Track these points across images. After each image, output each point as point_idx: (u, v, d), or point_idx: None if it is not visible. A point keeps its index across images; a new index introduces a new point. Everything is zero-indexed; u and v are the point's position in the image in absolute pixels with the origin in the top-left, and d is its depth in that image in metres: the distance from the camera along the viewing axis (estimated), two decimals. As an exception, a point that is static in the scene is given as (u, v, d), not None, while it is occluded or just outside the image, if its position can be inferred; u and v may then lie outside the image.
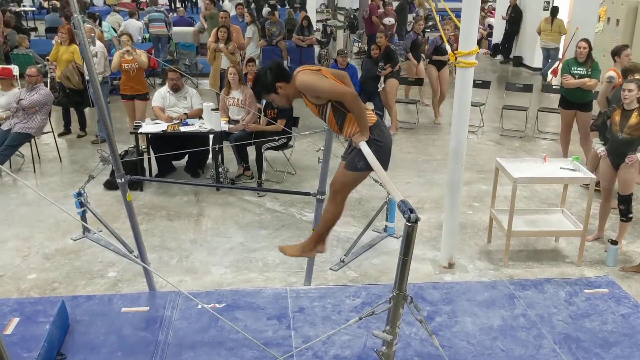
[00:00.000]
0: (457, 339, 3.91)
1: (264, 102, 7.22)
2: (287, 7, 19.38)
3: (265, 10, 16.91)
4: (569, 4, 13.59)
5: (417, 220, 2.06)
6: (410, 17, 16.44)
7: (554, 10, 12.52)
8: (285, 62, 13.28)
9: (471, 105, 5.72)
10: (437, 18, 6.39)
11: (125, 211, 5.74)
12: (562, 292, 4.41)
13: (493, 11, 17.00)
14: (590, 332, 3.94)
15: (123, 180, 3.90)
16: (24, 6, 19.17)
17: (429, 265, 5.21)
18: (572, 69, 7.10)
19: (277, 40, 13.03)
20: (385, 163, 3.18)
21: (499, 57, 15.31)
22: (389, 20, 13.79)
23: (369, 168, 3.10)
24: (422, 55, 10.49)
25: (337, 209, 3.44)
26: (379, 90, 8.81)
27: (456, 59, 4.64)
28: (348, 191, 3.43)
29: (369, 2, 14.84)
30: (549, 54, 12.55)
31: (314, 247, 3.64)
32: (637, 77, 5.48)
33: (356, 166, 3.22)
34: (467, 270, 5.16)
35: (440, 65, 9.62)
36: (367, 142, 3.11)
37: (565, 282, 4.57)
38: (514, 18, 14.33)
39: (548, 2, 13.42)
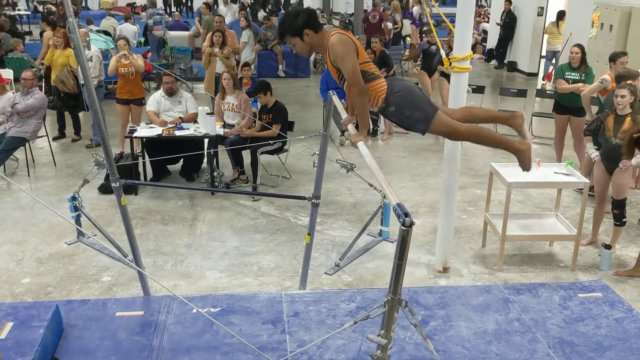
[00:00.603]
0: (452, 343, 3.91)
1: (258, 106, 7.24)
2: (283, 12, 19.41)
3: (261, 14, 16.95)
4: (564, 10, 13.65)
5: (412, 224, 2.06)
6: (406, 22, 16.53)
7: (561, 14, 12.74)
8: (280, 67, 13.33)
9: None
10: (432, 22, 6.42)
11: (119, 215, 5.74)
12: (556, 297, 4.42)
13: (488, 16, 17.08)
14: (584, 336, 3.96)
15: (118, 184, 3.91)
16: (18, 10, 19.11)
17: (423, 270, 5.22)
18: (566, 74, 7.13)
19: (272, 44, 13.06)
20: (421, 107, 3.12)
21: (493, 62, 15.38)
22: (389, 25, 13.81)
23: (428, 108, 3.09)
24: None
25: (472, 131, 3.26)
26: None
27: (450, 64, 4.66)
28: (453, 126, 3.23)
29: (373, 8, 14.84)
30: (555, 56, 12.65)
31: (516, 148, 3.38)
32: (630, 83, 5.52)
33: (420, 117, 3.14)
34: (462, 274, 5.17)
35: (429, 70, 9.68)
36: (389, 106, 3.07)
37: (560, 287, 4.58)
38: (508, 23, 14.40)
39: (542, 8, 13.51)
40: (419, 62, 14.19)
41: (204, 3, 13.92)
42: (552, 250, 5.62)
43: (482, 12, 17.78)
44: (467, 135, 3.30)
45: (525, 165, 3.44)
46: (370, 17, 13.70)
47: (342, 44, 3.00)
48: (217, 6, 14.79)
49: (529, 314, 4.21)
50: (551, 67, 12.50)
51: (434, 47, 9.13)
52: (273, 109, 6.91)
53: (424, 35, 15.19)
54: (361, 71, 3.05)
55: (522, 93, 9.37)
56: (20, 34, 14.27)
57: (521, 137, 3.51)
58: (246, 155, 7.11)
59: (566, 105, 7.22)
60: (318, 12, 19.35)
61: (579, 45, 7.22)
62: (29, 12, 19.74)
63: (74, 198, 5.52)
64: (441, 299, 4.44)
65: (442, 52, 5.39)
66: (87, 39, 8.21)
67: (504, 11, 14.47)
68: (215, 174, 6.88)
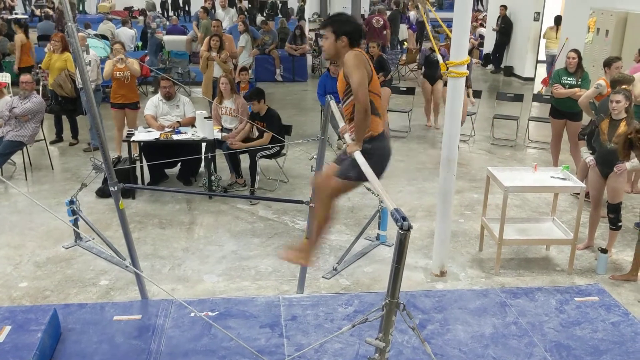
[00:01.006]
0: (449, 347, 3.93)
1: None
2: (280, 16, 19.47)
3: (259, 19, 16.99)
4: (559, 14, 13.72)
5: (409, 228, 2.07)
6: (403, 27, 16.59)
7: (558, 19, 12.90)
8: (278, 71, 13.37)
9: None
10: (429, 27, 6.46)
11: (117, 219, 5.74)
12: (553, 300, 4.44)
13: (485, 20, 17.15)
14: (580, 340, 3.98)
15: (116, 188, 3.91)
16: (15, 14, 19.11)
17: (420, 274, 5.24)
18: (563, 78, 7.18)
19: (269, 49, 13.09)
20: (380, 171, 3.19)
21: (490, 66, 15.43)
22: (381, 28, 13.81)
23: (360, 179, 3.11)
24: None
25: (327, 213, 3.38)
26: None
27: (447, 68, 4.69)
28: (338, 196, 3.38)
29: (376, 12, 14.81)
30: (553, 60, 12.72)
31: (311, 256, 3.52)
32: (625, 87, 5.56)
33: (347, 175, 3.21)
34: (459, 278, 5.19)
35: (431, 79, 9.68)
36: (365, 150, 3.11)
37: (556, 290, 4.61)
38: (504, 28, 14.46)
39: (538, 13, 13.57)
40: (415, 67, 14.36)
41: (201, 7, 13.94)
42: (548, 254, 5.64)
43: (480, 17, 17.85)
44: (325, 208, 3.35)
45: (289, 255, 3.57)
46: (374, 21, 13.64)
47: (357, 58, 3.07)
48: (215, 10, 14.81)
49: (525, 318, 4.23)
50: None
51: (435, 55, 9.12)
52: (266, 116, 6.90)
53: (423, 40, 15.28)
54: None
55: (518, 97, 9.41)
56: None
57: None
58: (244, 159, 7.12)
59: (562, 110, 7.26)
60: (315, 16, 19.45)
61: (576, 50, 7.27)
62: (26, 16, 19.71)
63: (71, 202, 5.57)
64: (438, 303, 4.45)
65: (439, 57, 5.43)
66: (86, 43, 8.22)
67: (499, 16, 14.54)
68: (212, 178, 6.90)
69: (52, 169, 7.70)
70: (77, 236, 5.67)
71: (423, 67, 9.94)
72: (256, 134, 7.11)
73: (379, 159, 3.21)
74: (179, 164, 7.11)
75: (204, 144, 6.93)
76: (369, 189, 5.62)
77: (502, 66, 14.96)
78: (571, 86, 7.10)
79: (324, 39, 3.24)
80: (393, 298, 2.22)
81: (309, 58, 14.48)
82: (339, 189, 3.32)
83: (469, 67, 8.06)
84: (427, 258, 5.44)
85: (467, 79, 8.03)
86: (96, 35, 7.02)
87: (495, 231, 5.26)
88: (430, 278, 5.17)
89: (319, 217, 3.40)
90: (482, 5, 23.72)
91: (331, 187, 3.31)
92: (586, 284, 4.90)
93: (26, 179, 7.33)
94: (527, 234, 5.43)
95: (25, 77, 7.33)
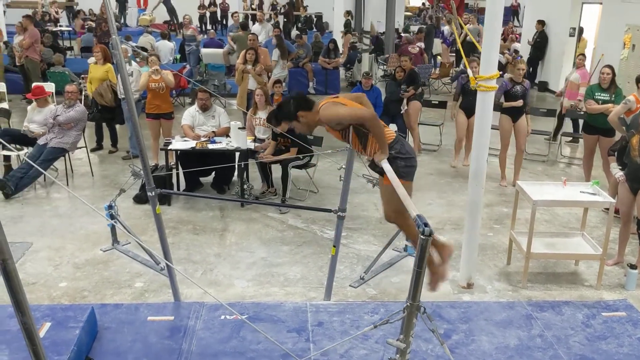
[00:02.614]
0: (473, 357, 3.97)
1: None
2: (315, 30, 19.73)
3: (294, 33, 17.27)
4: (595, 30, 13.62)
5: (430, 233, 2.17)
6: (437, 41, 16.65)
7: (581, 30, 12.79)
8: (311, 84, 13.56)
9: (493, 129, 5.83)
10: (459, 40, 6.51)
11: (152, 225, 5.95)
12: (580, 315, 4.44)
13: (518, 36, 17.08)
14: (606, 354, 3.97)
15: (153, 193, 4.09)
16: (60, 26, 19.79)
17: (447, 285, 5.28)
18: (596, 94, 7.16)
19: (303, 62, 13.31)
20: (411, 173, 3.29)
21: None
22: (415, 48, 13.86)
23: (403, 176, 3.24)
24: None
25: (409, 225, 3.48)
26: (401, 112, 8.95)
27: (477, 82, 4.76)
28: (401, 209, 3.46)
29: (414, 35, 14.93)
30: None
31: (437, 266, 3.58)
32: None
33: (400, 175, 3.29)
34: (486, 290, 5.21)
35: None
36: (389, 157, 3.24)
37: (583, 305, 4.60)
38: (540, 43, 14.41)
39: (574, 29, 13.48)
40: (447, 80, 14.39)
41: (239, 23, 14.29)
42: (577, 269, 5.62)
43: (513, 32, 17.78)
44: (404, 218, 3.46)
45: (432, 285, 3.56)
46: (410, 48, 13.42)
47: (328, 109, 3.31)
48: (254, 23, 15.13)
49: (551, 331, 4.24)
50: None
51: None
52: (290, 132, 7.00)
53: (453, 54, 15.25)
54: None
55: (551, 113, 9.37)
56: (62, 49, 14.82)
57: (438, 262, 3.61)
58: (276, 170, 7.28)
59: (595, 126, 7.23)
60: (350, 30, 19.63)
61: (610, 66, 7.26)
62: (70, 29, 20.41)
63: (110, 207, 5.79)
64: (464, 314, 4.50)
65: (469, 72, 5.49)
66: (128, 55, 8.53)
67: (536, 32, 14.48)
68: (245, 186, 7.07)
69: (92, 175, 7.99)
70: (115, 240, 5.89)
71: (460, 97, 8.38)
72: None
73: (408, 160, 3.34)
74: (213, 172, 7.32)
75: (237, 154, 7.12)
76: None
77: (536, 81, 14.87)
78: (604, 102, 7.08)
79: (294, 127, 3.51)
80: (414, 301, 2.31)
81: (342, 71, 14.64)
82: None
83: (526, 91, 7.57)
84: (455, 270, 5.48)
85: (525, 104, 7.64)
86: (136, 48, 7.27)
87: (523, 245, 5.27)
88: (457, 290, 5.21)
89: (408, 233, 3.58)
90: (518, 20, 23.62)
91: (394, 200, 3.38)
92: (614, 299, 4.88)
93: (67, 185, 7.61)
94: (556, 249, 5.42)
95: (70, 87, 7.64)
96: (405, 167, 3.22)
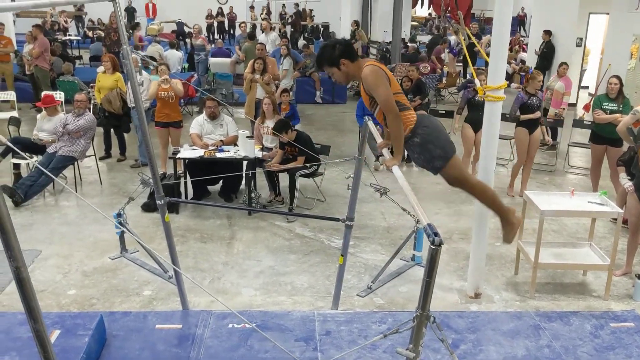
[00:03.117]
0: (481, 366, 3.97)
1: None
2: (322, 40, 19.81)
3: (301, 42, 17.35)
4: (602, 40, 13.64)
5: (441, 243, 2.18)
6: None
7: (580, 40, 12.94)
8: (318, 93, 13.62)
9: (501, 139, 5.84)
10: (466, 51, 6.55)
11: (160, 233, 5.99)
12: (588, 325, 4.43)
13: (525, 46, 17.10)
14: (615, 365, 3.96)
15: (162, 201, 4.12)
16: (69, 35, 19.97)
17: (455, 295, 5.28)
18: (604, 104, 7.17)
19: (310, 71, 13.36)
20: (443, 145, 3.25)
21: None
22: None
23: (445, 147, 3.23)
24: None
25: (479, 186, 3.48)
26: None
27: (485, 93, 4.78)
28: (465, 174, 3.43)
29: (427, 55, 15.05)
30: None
31: (509, 219, 3.58)
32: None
33: (434, 162, 3.26)
34: (494, 300, 5.21)
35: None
36: (414, 136, 3.21)
37: (592, 315, 4.59)
38: (546, 53, 14.40)
39: (581, 39, 13.49)
40: (454, 90, 14.42)
41: (247, 34, 14.38)
42: (585, 279, 5.60)
43: (520, 42, 17.80)
44: (473, 187, 3.45)
45: (509, 238, 3.65)
46: (421, 67, 13.20)
47: (375, 75, 3.18)
48: (262, 32, 15.22)
49: (559, 341, 4.23)
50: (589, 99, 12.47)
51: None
52: (297, 142, 7.03)
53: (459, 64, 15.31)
54: (395, 101, 3.20)
55: (559, 123, 9.37)
56: (71, 58, 14.94)
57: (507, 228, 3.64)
58: (283, 178, 7.31)
59: (603, 136, 7.23)
60: (354, 41, 19.74)
61: (617, 77, 7.26)
62: (79, 38, 20.61)
63: (119, 215, 5.82)
64: (472, 324, 4.49)
65: (477, 82, 5.52)
66: (139, 64, 8.60)
67: (543, 42, 14.48)
68: (252, 195, 7.10)
69: (101, 183, 8.04)
70: (123, 248, 5.92)
71: (464, 110, 8.22)
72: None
73: (436, 136, 3.25)
74: (221, 180, 7.35)
75: (245, 162, 7.16)
76: (404, 209, 5.72)
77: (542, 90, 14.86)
78: (612, 112, 7.09)
79: (331, 75, 3.37)
80: (424, 310, 2.32)
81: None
82: (456, 171, 3.34)
83: (540, 101, 7.56)
84: (462, 280, 5.48)
85: (541, 115, 7.64)
86: (145, 57, 7.35)
87: (531, 255, 5.26)
88: (464, 300, 5.20)
89: (482, 198, 3.54)
90: (525, 30, 23.65)
91: (454, 176, 3.34)
92: (622, 310, 4.86)
93: (76, 192, 7.66)
94: (564, 259, 5.41)
95: (79, 96, 7.71)
96: (429, 140, 3.17)
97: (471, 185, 3.43)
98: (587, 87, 14.93)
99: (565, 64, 9.97)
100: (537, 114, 7.49)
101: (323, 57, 3.33)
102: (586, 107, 11.59)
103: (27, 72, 12.11)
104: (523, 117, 7.53)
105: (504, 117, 5.71)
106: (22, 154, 2.69)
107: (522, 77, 16.15)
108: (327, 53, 3.29)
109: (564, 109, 9.53)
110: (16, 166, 7.73)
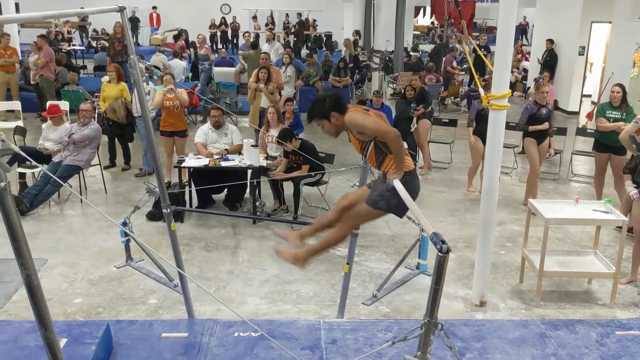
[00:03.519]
0: (488, 375, 3.96)
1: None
2: (324, 49, 19.90)
3: (304, 52, 17.43)
4: (604, 49, 13.68)
5: (448, 251, 2.20)
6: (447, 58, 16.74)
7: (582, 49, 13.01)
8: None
9: (504, 147, 5.85)
10: (470, 60, 6.57)
11: (165, 242, 6.01)
12: (594, 333, 4.43)
13: (527, 55, 17.16)
14: (621, 373, 3.95)
15: (169, 210, 4.14)
16: (73, 45, 20.08)
17: (460, 303, 5.28)
18: (607, 112, 7.19)
19: (314, 80, 13.41)
20: (400, 207, 3.35)
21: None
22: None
23: (388, 210, 3.33)
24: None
25: (344, 234, 3.60)
26: (411, 130, 9.00)
27: (489, 101, 4.80)
28: (360, 222, 3.57)
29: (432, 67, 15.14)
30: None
31: (306, 261, 3.70)
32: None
33: (376, 204, 3.39)
34: (499, 308, 5.20)
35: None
36: (383, 193, 3.33)
37: (597, 324, 4.59)
38: (549, 62, 14.45)
39: (583, 47, 13.54)
40: (457, 100, 14.46)
41: (250, 43, 14.47)
42: (590, 287, 5.60)
43: (522, 51, 17.86)
44: (343, 232, 3.63)
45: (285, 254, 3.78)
46: (427, 80, 13.28)
47: (356, 114, 3.34)
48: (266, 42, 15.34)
49: (565, 350, 4.23)
50: (592, 107, 12.50)
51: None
52: (301, 150, 7.05)
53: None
54: (385, 143, 3.32)
55: (562, 131, 9.38)
56: (76, 68, 15.02)
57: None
58: (287, 187, 7.33)
59: (606, 144, 7.24)
60: (359, 50, 19.89)
61: (620, 85, 7.28)
62: (83, 48, 20.71)
63: (124, 224, 5.84)
64: (477, 332, 4.49)
65: (481, 91, 5.54)
66: (145, 74, 8.64)
67: (545, 50, 14.54)
68: (257, 203, 7.11)
69: (105, 192, 8.06)
70: (128, 256, 5.94)
71: (474, 123, 7.95)
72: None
73: (411, 193, 3.31)
74: (226, 189, 7.37)
75: (249, 171, 7.18)
76: (409, 218, 5.72)
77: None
78: (615, 120, 7.10)
79: (322, 127, 3.50)
80: (431, 318, 2.33)
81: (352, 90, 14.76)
82: (364, 215, 3.50)
83: (550, 113, 7.38)
84: (467, 288, 5.48)
85: (550, 126, 7.46)
86: (150, 66, 7.40)
87: (536, 263, 5.27)
88: (470, 308, 5.21)
89: (335, 235, 3.60)
90: (527, 39, 23.72)
91: (357, 211, 3.47)
92: (628, 318, 4.86)
93: (81, 202, 7.69)
94: (569, 267, 5.42)
95: (84, 106, 7.76)
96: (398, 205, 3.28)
97: (345, 226, 3.60)
98: (589, 96, 14.96)
99: (546, 72, 10.00)
100: (546, 125, 7.42)
101: (314, 110, 3.48)
102: (589, 116, 11.63)
103: (32, 82, 12.19)
104: (532, 128, 7.46)
105: (508, 126, 5.73)
106: (32, 161, 2.70)
107: (524, 86, 16.25)
108: (318, 106, 3.44)
109: None
110: (22, 175, 7.77)
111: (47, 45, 12.12)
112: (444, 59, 15.82)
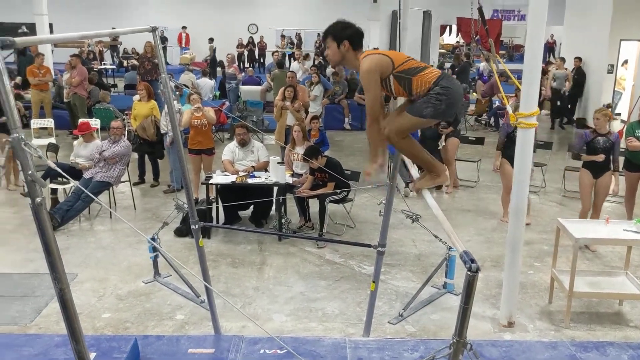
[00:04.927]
0: (516, 397, 3.89)
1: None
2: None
3: (329, 70, 17.53)
4: (634, 66, 13.51)
5: (477, 270, 2.18)
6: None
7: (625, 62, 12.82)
8: (346, 120, 13.71)
9: (533, 166, 5.79)
10: (498, 79, 6.55)
11: (193, 257, 6.07)
12: (625, 356, 4.32)
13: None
14: (655, 398, 3.85)
15: (197, 226, 4.19)
16: (104, 64, 20.55)
17: (488, 324, 5.21)
18: (637, 132, 7.08)
19: (339, 98, 13.49)
20: (449, 112, 3.09)
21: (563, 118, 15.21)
22: None
23: (435, 116, 3.07)
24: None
25: (409, 142, 3.29)
26: (439, 148, 8.98)
27: (517, 120, 4.78)
28: (405, 133, 3.26)
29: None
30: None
31: (435, 177, 3.33)
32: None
33: (422, 112, 3.07)
34: (527, 329, 5.12)
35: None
36: (427, 99, 3.04)
37: (628, 346, 4.48)
38: (577, 80, 14.32)
39: (612, 65, 13.39)
40: (485, 119, 14.38)
41: (277, 62, 14.65)
42: (621, 309, 5.48)
43: (550, 69, 17.69)
44: (405, 143, 3.32)
45: (421, 184, 3.32)
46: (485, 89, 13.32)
47: (368, 74, 3.07)
48: (292, 62, 15.52)
49: (596, 372, 4.14)
50: (622, 126, 12.30)
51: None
52: (327, 167, 7.06)
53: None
54: (405, 70, 3.07)
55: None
56: (107, 86, 15.35)
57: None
58: (313, 204, 7.35)
59: (636, 163, 7.12)
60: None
61: (650, 103, 7.17)
62: (114, 67, 21.17)
63: (153, 239, 5.90)
64: (506, 353, 4.42)
65: (509, 108, 5.50)
66: (176, 92, 8.78)
67: (574, 68, 14.42)
68: (283, 220, 7.15)
69: (135, 208, 8.18)
70: (156, 272, 5.99)
71: (503, 146, 7.51)
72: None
73: (446, 99, 3.03)
74: (252, 206, 7.43)
75: (275, 188, 7.23)
76: (436, 236, 5.69)
77: (574, 117, 14.72)
78: (646, 139, 6.98)
79: (327, 48, 3.23)
80: (460, 337, 2.31)
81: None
82: (407, 126, 3.22)
83: (611, 145, 6.68)
84: (495, 308, 5.41)
85: (615, 160, 6.83)
86: (180, 85, 7.55)
87: (565, 283, 5.18)
88: (497, 328, 5.14)
89: (412, 158, 3.38)
90: (554, 57, 23.55)
91: (398, 123, 3.19)
92: (662, 341, 4.74)
93: (110, 217, 7.81)
94: (599, 288, 5.32)
95: (115, 123, 7.93)
96: (440, 104, 2.97)
97: (400, 140, 3.29)
98: (619, 114, 14.75)
99: (518, 90, 9.74)
100: (601, 157, 6.72)
101: (332, 29, 3.21)
102: (619, 134, 11.44)
103: (65, 100, 12.48)
104: (584, 157, 6.93)
105: (537, 144, 5.68)
106: (67, 177, 2.76)
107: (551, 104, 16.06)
108: (339, 28, 3.19)
109: None
110: (53, 191, 7.93)
111: (81, 64, 12.42)
112: (486, 83, 15.44)
